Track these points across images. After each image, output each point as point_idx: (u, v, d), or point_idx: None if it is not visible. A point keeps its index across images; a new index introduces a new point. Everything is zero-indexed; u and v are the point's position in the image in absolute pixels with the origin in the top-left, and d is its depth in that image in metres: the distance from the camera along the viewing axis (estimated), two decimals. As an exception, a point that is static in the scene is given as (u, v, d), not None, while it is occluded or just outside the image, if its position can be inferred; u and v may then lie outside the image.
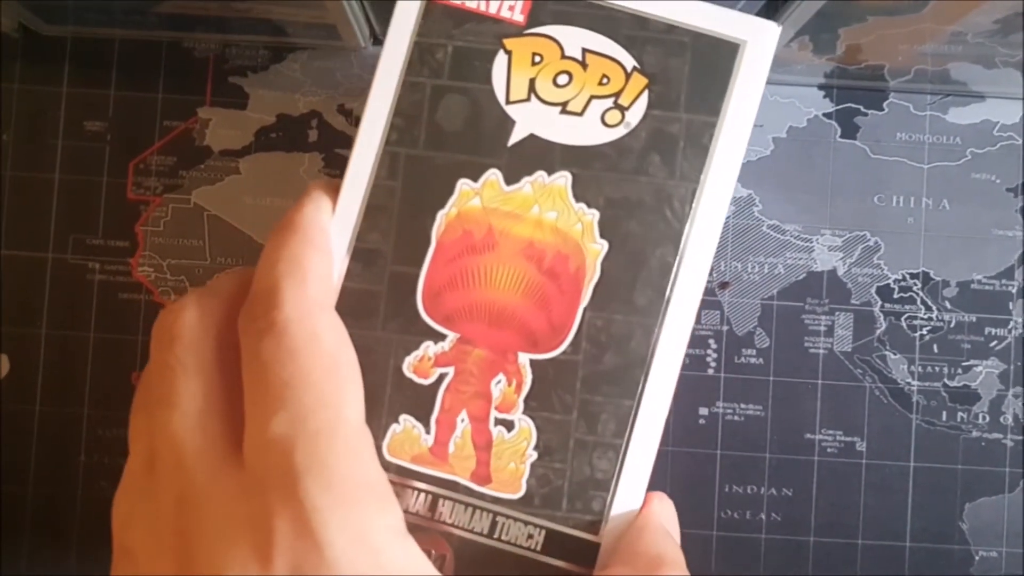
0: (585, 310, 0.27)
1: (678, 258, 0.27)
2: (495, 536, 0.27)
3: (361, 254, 0.27)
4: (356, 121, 0.39)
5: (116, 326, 0.39)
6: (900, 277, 0.40)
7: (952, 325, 0.40)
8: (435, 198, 0.27)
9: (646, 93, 0.27)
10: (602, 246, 0.27)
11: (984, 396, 0.40)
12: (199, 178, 0.39)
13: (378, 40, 0.39)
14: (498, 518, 0.27)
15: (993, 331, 0.40)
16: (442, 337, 0.27)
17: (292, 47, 0.39)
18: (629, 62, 0.27)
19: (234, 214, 0.39)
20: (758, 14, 0.34)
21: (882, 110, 0.40)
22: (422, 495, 0.26)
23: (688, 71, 0.27)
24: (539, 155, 0.27)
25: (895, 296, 0.40)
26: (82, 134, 0.39)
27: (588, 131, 0.27)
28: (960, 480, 0.39)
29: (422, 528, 0.26)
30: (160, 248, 0.39)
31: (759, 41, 0.27)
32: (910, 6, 0.31)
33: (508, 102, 0.27)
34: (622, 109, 0.27)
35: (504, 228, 0.27)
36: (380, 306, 0.27)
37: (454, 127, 0.27)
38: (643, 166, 0.27)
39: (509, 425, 0.27)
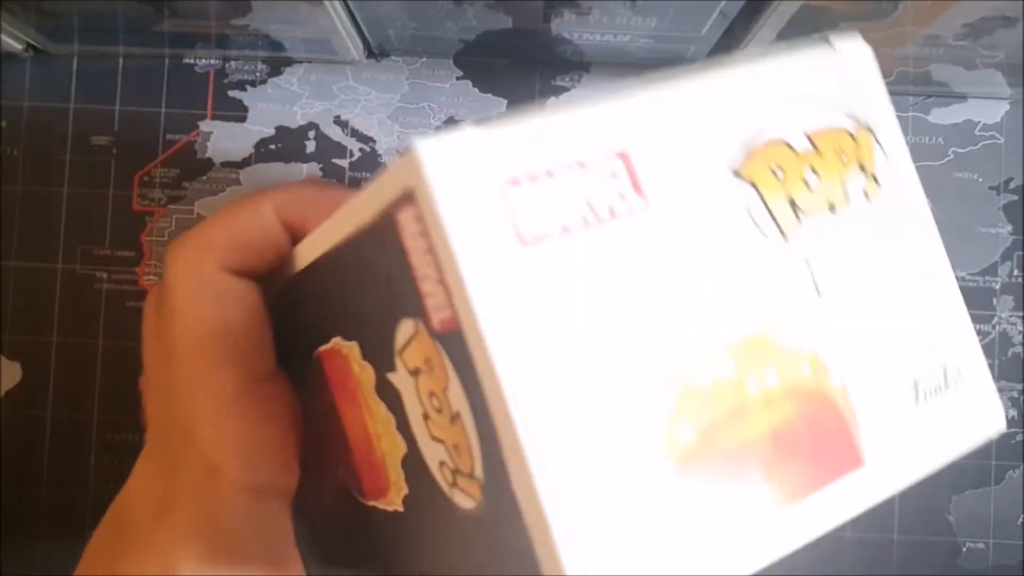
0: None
1: None
2: None
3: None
4: (352, 132, 0.41)
5: (124, 333, 0.40)
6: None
7: (937, 321, 0.40)
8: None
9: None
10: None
11: (969, 391, 0.40)
12: (201, 189, 0.40)
13: (372, 53, 0.40)
14: None
15: (977, 327, 0.40)
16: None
17: (289, 61, 0.41)
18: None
19: (236, 223, 0.40)
20: (735, 20, 0.35)
21: (865, 112, 0.41)
22: None
23: None
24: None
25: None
26: (89, 149, 0.40)
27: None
28: (947, 473, 0.40)
29: None
30: (165, 257, 0.40)
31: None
32: (881, 9, 0.32)
33: None
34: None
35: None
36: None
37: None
38: None
39: None
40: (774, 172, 0.20)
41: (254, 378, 0.25)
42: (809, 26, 0.33)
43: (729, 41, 0.37)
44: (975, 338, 0.23)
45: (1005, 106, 0.41)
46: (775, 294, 0.20)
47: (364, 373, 0.22)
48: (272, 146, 0.40)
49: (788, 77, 0.21)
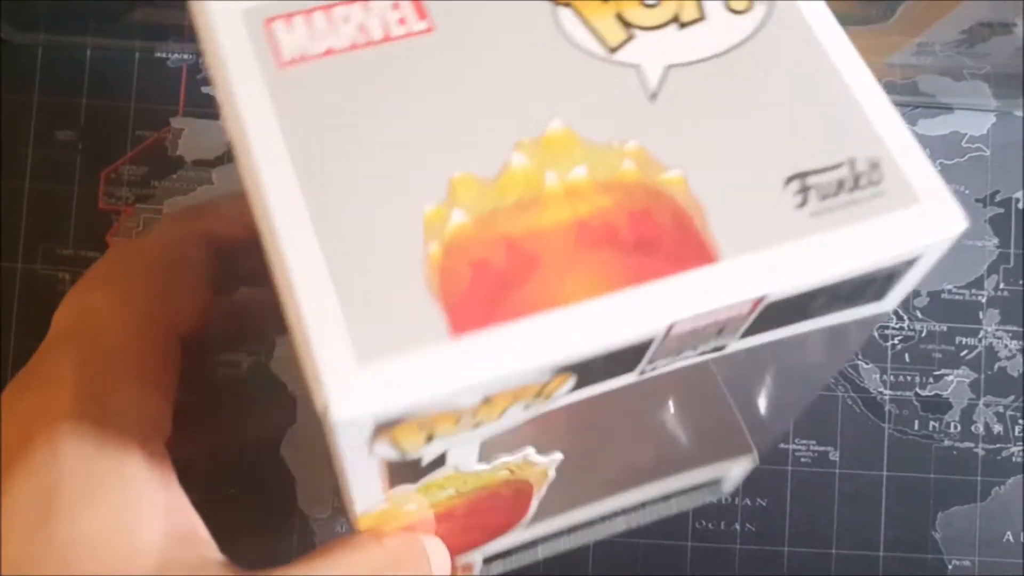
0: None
1: None
2: None
3: None
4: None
5: (86, 337, 0.39)
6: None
7: (923, 334, 0.40)
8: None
9: None
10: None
11: (955, 405, 0.40)
12: (171, 188, 0.39)
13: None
14: None
15: (964, 340, 0.40)
16: None
17: (266, 57, 0.39)
18: None
19: (206, 224, 0.39)
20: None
21: (852, 122, 0.41)
22: None
23: None
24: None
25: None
26: (53, 143, 0.39)
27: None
28: (933, 489, 0.39)
29: None
30: (131, 258, 0.39)
31: None
32: (878, 15, 0.32)
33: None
34: None
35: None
36: None
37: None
38: None
39: None
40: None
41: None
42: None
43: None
44: (911, 143, 0.19)
45: (991, 118, 0.41)
46: (587, 98, 0.19)
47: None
48: (246, 144, 0.39)
49: None
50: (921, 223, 0.18)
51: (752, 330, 0.19)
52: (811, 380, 0.29)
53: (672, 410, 0.32)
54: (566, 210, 0.18)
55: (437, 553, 0.24)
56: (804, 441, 0.39)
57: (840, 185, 0.18)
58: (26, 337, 0.38)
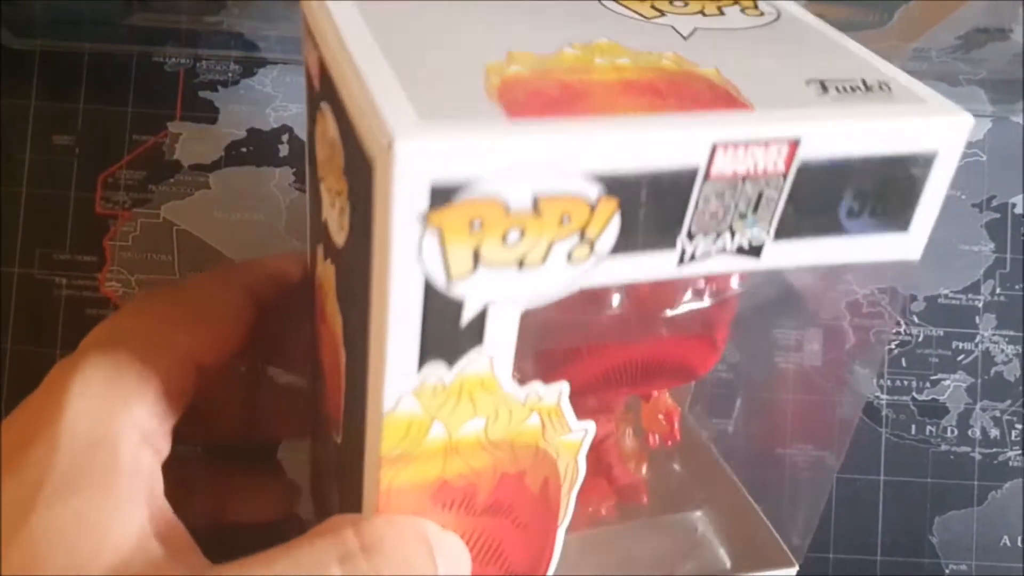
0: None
1: None
2: None
3: None
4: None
5: (83, 341, 0.38)
6: (869, 292, 0.40)
7: (920, 339, 0.40)
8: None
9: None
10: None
11: (952, 410, 0.40)
12: (169, 193, 0.39)
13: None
14: None
15: (960, 345, 0.40)
16: None
17: (263, 62, 0.39)
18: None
19: (204, 229, 0.39)
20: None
21: (849, 127, 0.41)
22: None
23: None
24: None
25: (864, 311, 0.40)
26: (50, 148, 0.39)
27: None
28: (930, 493, 0.39)
29: None
30: (128, 263, 0.39)
31: None
32: (875, 21, 0.32)
33: None
34: None
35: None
36: None
37: None
38: None
39: None
40: None
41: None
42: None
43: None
44: (914, 80, 0.22)
45: (987, 123, 0.41)
46: (629, 34, 0.22)
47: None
48: (243, 149, 0.39)
49: None
50: (932, 112, 0.21)
51: (786, 226, 0.21)
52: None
53: (701, 521, 0.34)
54: (613, 75, 0.20)
55: (449, 548, 0.22)
56: (801, 445, 0.39)
57: (855, 89, 0.21)
58: (23, 341, 0.38)
